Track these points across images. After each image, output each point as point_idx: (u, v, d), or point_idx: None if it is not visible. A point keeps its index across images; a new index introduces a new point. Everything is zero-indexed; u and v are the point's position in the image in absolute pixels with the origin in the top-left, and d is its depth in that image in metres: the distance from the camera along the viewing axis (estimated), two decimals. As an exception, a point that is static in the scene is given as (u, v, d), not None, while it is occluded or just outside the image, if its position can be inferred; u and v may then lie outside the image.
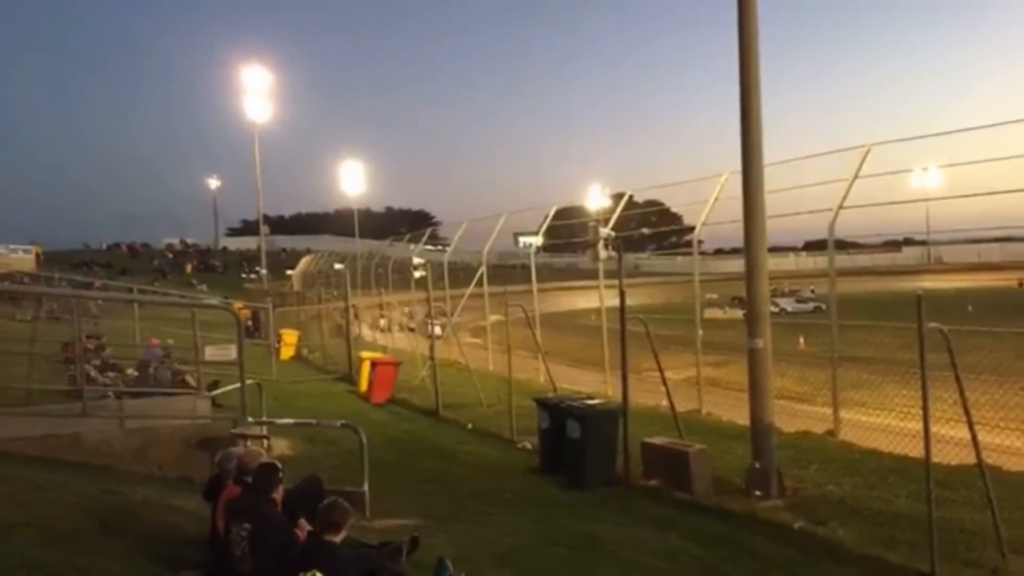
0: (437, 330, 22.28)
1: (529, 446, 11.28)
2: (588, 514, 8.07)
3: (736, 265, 9.15)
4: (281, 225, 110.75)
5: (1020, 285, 34.67)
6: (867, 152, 11.10)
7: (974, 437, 6.27)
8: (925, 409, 6.16)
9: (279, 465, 5.24)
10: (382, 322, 29.11)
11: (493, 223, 23.18)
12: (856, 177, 11.08)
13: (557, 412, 9.75)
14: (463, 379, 16.84)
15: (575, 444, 9.31)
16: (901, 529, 6.82)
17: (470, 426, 13.50)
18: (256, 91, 43.61)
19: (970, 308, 27.11)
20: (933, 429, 6.27)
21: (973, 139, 10.68)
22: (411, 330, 25.97)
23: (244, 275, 69.39)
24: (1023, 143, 9.57)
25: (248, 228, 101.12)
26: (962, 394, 6.23)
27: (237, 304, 23.96)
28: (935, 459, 6.45)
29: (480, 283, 22.50)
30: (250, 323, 27.43)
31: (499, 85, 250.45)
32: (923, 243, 75.07)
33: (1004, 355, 11.54)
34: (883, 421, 10.27)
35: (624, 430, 9.41)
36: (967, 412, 6.27)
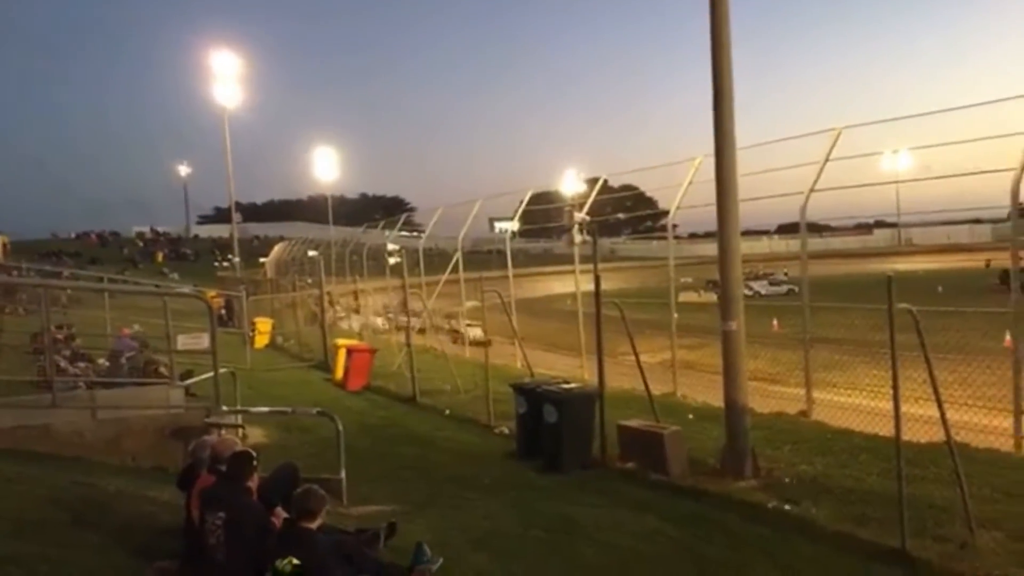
0: (479, 332, 21.25)
1: (507, 431, 11.31)
2: (565, 497, 8.11)
3: (711, 249, 9.23)
4: (254, 212, 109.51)
5: (988, 265, 35.23)
6: (838, 135, 11.20)
7: (943, 415, 6.37)
8: (895, 388, 6.26)
9: (253, 453, 5.21)
10: (379, 322, 26.64)
11: (468, 208, 23.19)
12: (827, 160, 11.18)
13: (534, 397, 9.77)
14: (440, 365, 16.84)
15: (552, 428, 9.35)
16: (872, 506, 6.93)
17: (447, 412, 13.50)
18: (226, 76, 42.96)
19: (940, 289, 27.49)
20: (903, 408, 6.36)
21: (944, 121, 10.85)
22: (421, 331, 23.98)
23: (216, 263, 68.59)
24: (990, 125, 9.74)
25: (220, 215, 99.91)
26: (931, 373, 6.32)
27: (210, 293, 23.70)
28: (905, 437, 6.54)
29: (455, 269, 22.46)
30: (223, 311, 27.18)
31: (474, 71, 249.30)
32: (894, 225, 76.06)
33: (972, 335, 11.74)
34: (854, 401, 10.42)
35: (600, 413, 9.47)
36: (936, 391, 6.36)
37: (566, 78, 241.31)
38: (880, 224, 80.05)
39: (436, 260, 26.31)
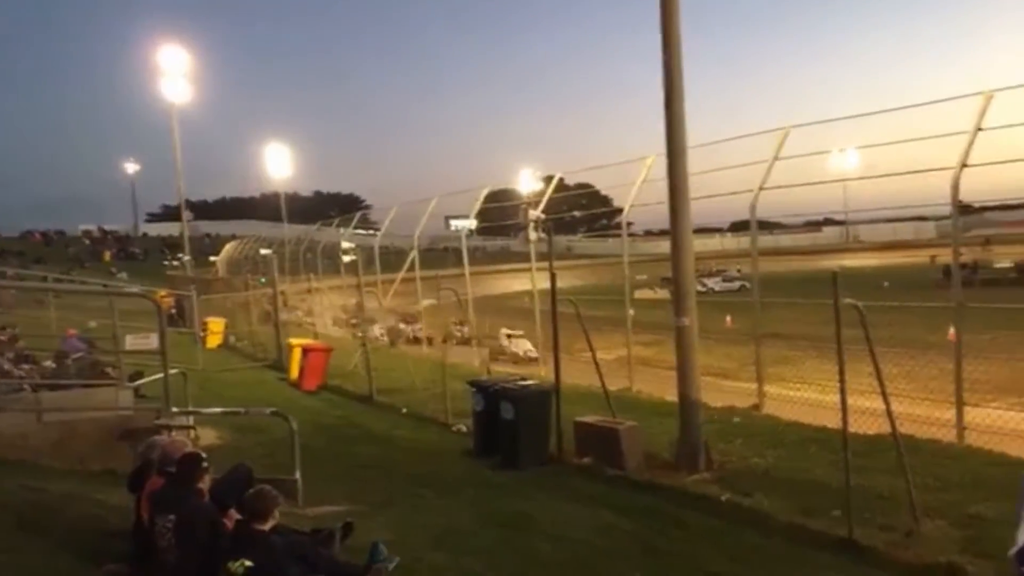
0: (528, 346, 16.95)
1: (464, 429, 11.30)
2: (522, 493, 8.15)
3: (666, 246, 9.34)
4: (205, 210, 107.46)
5: (933, 261, 36.39)
6: (785, 135, 11.42)
7: (888, 408, 6.55)
8: (842, 382, 6.42)
9: (203, 455, 5.14)
10: (375, 330, 21.89)
11: (424, 206, 23.09)
12: (776, 159, 11.38)
13: (491, 394, 9.79)
14: (397, 364, 16.75)
15: (509, 425, 9.37)
16: (821, 497, 7.09)
17: (404, 411, 13.43)
18: (174, 72, 42.04)
19: (886, 284, 28.26)
20: (850, 401, 6.53)
21: (890, 121, 11.12)
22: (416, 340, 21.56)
23: (166, 262, 67.23)
24: (937, 124, 10.00)
25: (169, 213, 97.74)
26: (876, 367, 6.49)
27: (160, 292, 23.22)
28: (852, 429, 6.73)
29: (412, 267, 22.36)
30: (174, 311, 26.65)
31: (430, 69, 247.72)
32: (842, 223, 77.92)
33: (916, 329, 12.10)
34: (804, 395, 10.64)
35: (557, 410, 9.53)
36: (881, 384, 6.54)
37: (522, 76, 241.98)
38: (829, 221, 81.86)
39: (392, 258, 26.16)
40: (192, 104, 45.32)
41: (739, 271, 42.41)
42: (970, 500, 6.80)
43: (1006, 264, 36.80)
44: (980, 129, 9.02)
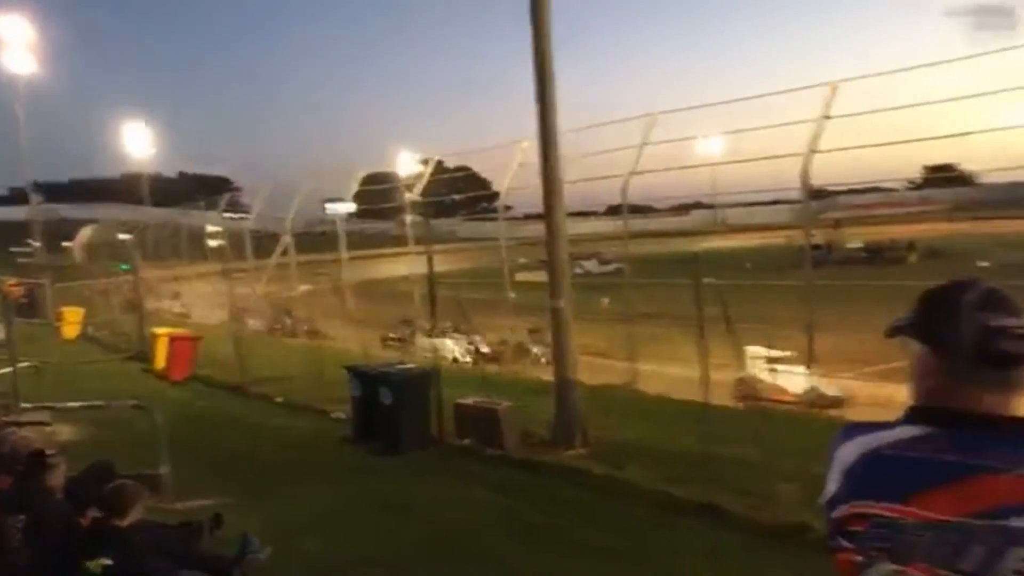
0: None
1: (343, 416, 11.11)
2: (401, 477, 8.15)
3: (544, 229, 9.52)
4: (58, 192, 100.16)
5: (790, 243, 38.79)
6: (653, 121, 11.83)
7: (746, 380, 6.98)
8: (703, 357, 6.78)
9: (49, 451, 4.86)
10: (450, 345, 15.20)
11: (300, 188, 22.42)
12: (644, 144, 11.77)
13: (369, 379, 9.70)
14: (271, 352, 16.26)
15: (388, 410, 9.32)
16: (687, 466, 7.43)
17: (280, 399, 13.07)
18: (14, 42, 38.63)
19: (748, 265, 29.76)
20: (712, 375, 6.91)
21: (754, 108, 11.71)
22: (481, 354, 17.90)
23: (15, 249, 62.20)
24: (798, 112, 10.60)
25: (17, 196, 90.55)
26: (735, 342, 6.89)
27: (8, 281, 21.56)
28: (715, 402, 7.12)
29: (286, 252, 21.74)
30: (25, 301, 24.85)
31: (302, 49, 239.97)
32: (711, 207, 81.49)
33: (775, 306, 12.87)
34: (673, 371, 11.13)
35: (437, 393, 9.55)
36: (739, 358, 6.95)
37: (399, 56, 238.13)
38: (699, 205, 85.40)
39: (266, 243, 25.27)
40: (41, 79, 41.97)
41: (615, 254, 43.49)
42: (820, 463, 7.31)
43: (857, 245, 39.60)
44: (827, 117, 9.65)
